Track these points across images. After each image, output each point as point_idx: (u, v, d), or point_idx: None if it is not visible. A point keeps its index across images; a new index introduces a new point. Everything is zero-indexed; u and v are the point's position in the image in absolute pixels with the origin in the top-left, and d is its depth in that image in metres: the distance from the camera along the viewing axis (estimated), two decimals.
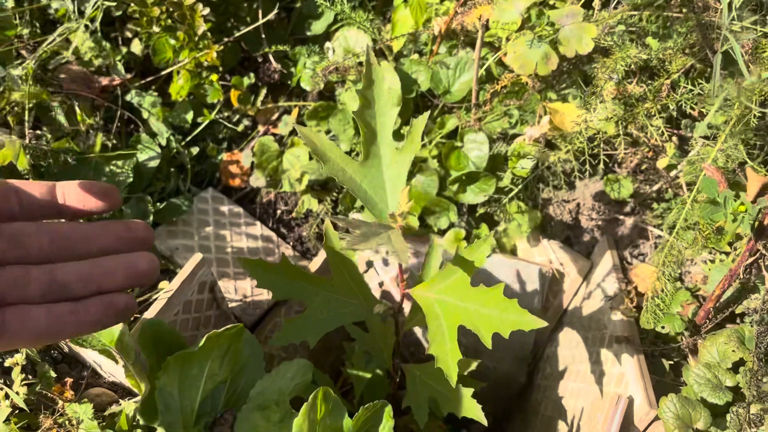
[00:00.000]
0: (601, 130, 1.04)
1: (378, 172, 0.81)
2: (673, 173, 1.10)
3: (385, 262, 1.24)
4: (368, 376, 1.13)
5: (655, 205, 1.12)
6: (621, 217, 1.17)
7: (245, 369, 0.85)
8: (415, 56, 1.25)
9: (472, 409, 0.94)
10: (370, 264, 1.20)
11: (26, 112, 1.07)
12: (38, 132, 1.14)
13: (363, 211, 1.22)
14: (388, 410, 0.78)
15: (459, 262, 0.82)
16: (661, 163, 1.06)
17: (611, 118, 1.04)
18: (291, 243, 1.27)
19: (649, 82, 1.07)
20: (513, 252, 1.20)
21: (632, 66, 1.05)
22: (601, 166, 1.05)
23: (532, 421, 1.17)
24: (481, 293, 0.75)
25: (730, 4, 0.78)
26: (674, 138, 1.07)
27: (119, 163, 1.15)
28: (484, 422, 0.92)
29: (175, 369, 0.75)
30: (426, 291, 0.82)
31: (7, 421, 0.79)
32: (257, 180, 1.27)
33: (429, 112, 0.90)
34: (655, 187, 1.13)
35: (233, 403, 0.80)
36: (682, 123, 1.04)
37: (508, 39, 1.12)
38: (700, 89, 1.02)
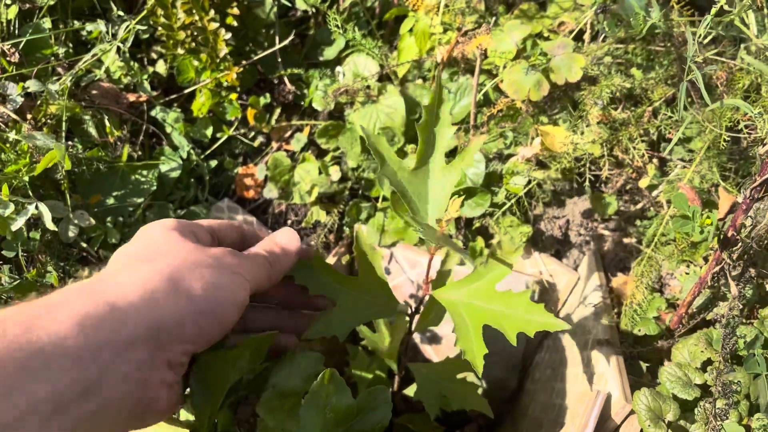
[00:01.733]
0: (587, 151, 1.14)
1: (423, 182, 0.88)
2: (654, 193, 1.19)
3: (404, 266, 1.33)
4: (370, 376, 1.21)
5: (638, 222, 1.21)
6: (607, 233, 1.26)
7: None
8: (419, 81, 1.35)
9: (479, 403, 1.03)
10: (387, 271, 1.29)
11: (62, 123, 1.17)
12: (70, 143, 1.24)
13: (367, 224, 1.31)
14: (387, 395, 0.87)
15: (491, 267, 0.89)
16: (643, 183, 1.15)
17: (597, 140, 1.14)
18: None
19: (633, 108, 1.17)
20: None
21: (617, 93, 1.15)
22: (587, 184, 1.15)
23: (520, 422, 1.25)
24: (508, 296, 0.82)
25: (695, 38, 0.87)
26: (655, 160, 1.16)
27: (144, 172, 1.24)
28: (491, 415, 1.01)
29: (206, 361, 0.82)
30: (451, 293, 0.89)
31: None
32: (270, 192, 1.36)
33: (485, 135, 0.96)
34: (639, 206, 1.23)
35: (254, 388, 0.88)
36: (662, 147, 1.14)
37: (504, 67, 1.22)
38: (679, 117, 1.12)
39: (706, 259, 1.08)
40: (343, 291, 0.91)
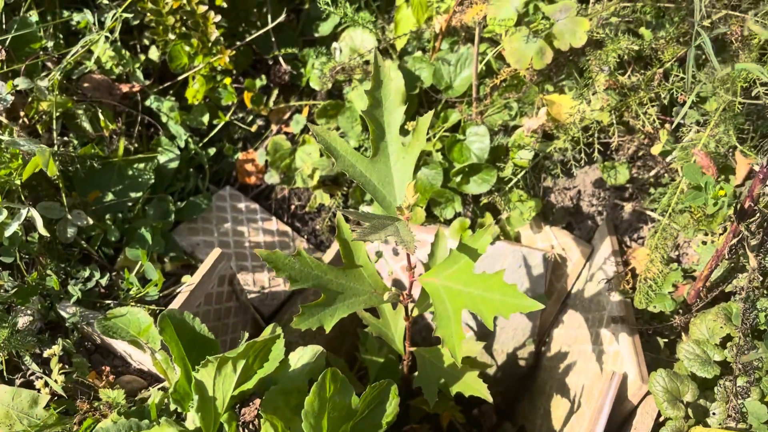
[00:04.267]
0: (595, 119, 1.09)
1: (386, 167, 0.87)
2: (668, 159, 1.14)
3: (395, 252, 1.30)
4: (381, 360, 1.20)
5: (652, 190, 1.16)
6: (620, 202, 1.21)
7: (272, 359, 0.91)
8: (418, 54, 1.30)
9: (477, 388, 1.00)
10: (379, 254, 1.26)
11: (53, 121, 1.15)
12: (65, 138, 1.22)
13: (373, 204, 1.28)
14: (394, 389, 0.84)
15: (463, 250, 0.87)
16: (655, 149, 1.10)
17: (605, 107, 1.08)
18: (305, 236, 1.34)
19: (642, 71, 1.11)
20: (517, 239, 1.25)
21: (625, 57, 1.09)
22: (597, 154, 1.10)
23: (538, 400, 1.23)
24: (484, 279, 0.81)
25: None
26: (667, 125, 1.11)
27: (141, 165, 1.22)
28: (489, 399, 0.98)
29: (212, 366, 0.81)
30: (432, 278, 0.88)
31: (47, 407, 0.87)
32: (271, 177, 1.33)
33: (433, 110, 0.95)
34: (652, 173, 1.18)
35: (259, 386, 0.87)
36: (674, 111, 1.08)
37: (506, 34, 1.17)
38: (692, 80, 1.05)
39: (724, 229, 1.03)
40: (328, 281, 0.90)
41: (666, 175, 1.16)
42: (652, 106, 1.07)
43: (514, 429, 1.29)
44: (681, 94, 1.04)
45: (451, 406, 1.26)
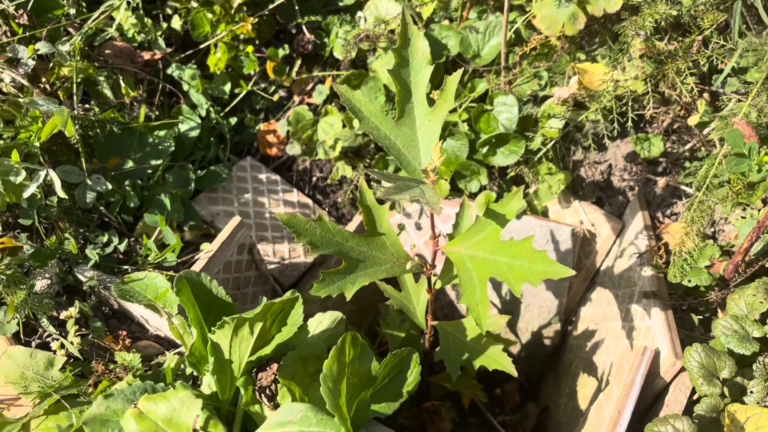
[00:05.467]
0: (630, 88, 1.04)
1: (411, 130, 0.84)
2: (705, 131, 1.09)
3: (418, 227, 1.27)
4: (402, 335, 1.17)
5: (687, 164, 1.12)
6: (653, 177, 1.17)
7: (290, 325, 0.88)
8: (445, 22, 1.26)
9: (501, 361, 0.97)
10: (402, 227, 1.23)
11: (74, 86, 1.13)
12: (86, 105, 1.20)
13: (400, 173, 1.25)
14: (416, 357, 0.82)
15: (490, 216, 0.84)
16: (692, 120, 1.05)
17: (640, 76, 1.04)
18: (326, 209, 1.31)
19: (680, 38, 1.07)
20: (544, 214, 1.21)
21: (662, 23, 1.04)
22: (630, 124, 1.05)
23: (563, 379, 1.19)
24: (511, 246, 0.77)
25: None
26: (705, 95, 1.06)
27: (161, 133, 1.20)
28: (514, 374, 0.95)
29: (229, 328, 0.78)
30: (457, 246, 0.85)
31: (62, 369, 0.85)
32: (293, 148, 1.31)
33: (462, 69, 0.92)
34: (688, 146, 1.13)
35: (276, 352, 0.84)
36: (713, 79, 1.03)
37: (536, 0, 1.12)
38: (732, 44, 1.01)
39: (764, 202, 0.98)
40: (350, 248, 0.87)
41: (702, 148, 1.11)
42: (691, 74, 1.02)
43: (537, 409, 1.26)
44: (722, 61, 0.99)
45: (473, 384, 1.23)
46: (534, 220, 1.16)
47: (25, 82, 1.10)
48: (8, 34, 1.16)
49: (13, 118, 1.08)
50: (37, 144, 1.00)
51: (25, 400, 0.84)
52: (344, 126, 1.27)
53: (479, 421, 1.31)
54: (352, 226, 1.21)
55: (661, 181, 1.15)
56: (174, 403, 0.72)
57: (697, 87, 1.03)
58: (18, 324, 0.91)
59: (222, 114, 1.31)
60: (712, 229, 1.08)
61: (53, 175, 0.96)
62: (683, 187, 1.14)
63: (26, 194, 0.95)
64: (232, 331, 0.77)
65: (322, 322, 0.88)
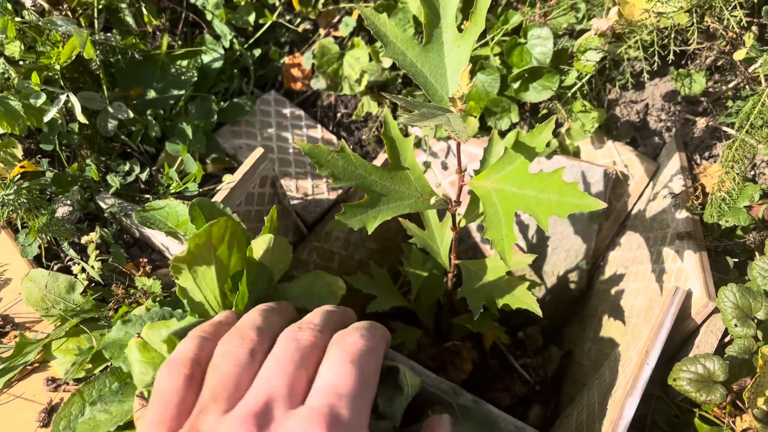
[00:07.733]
0: (673, 20, 0.98)
1: (439, 57, 0.80)
2: (751, 68, 1.03)
3: (444, 166, 1.23)
4: (425, 274, 1.15)
5: (729, 104, 1.06)
6: (692, 117, 1.11)
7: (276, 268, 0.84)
8: None
9: (526, 300, 0.94)
10: (428, 165, 1.20)
11: (96, 11, 1.10)
12: (108, 34, 1.18)
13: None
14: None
15: (519, 149, 0.80)
16: (738, 55, 0.99)
17: (685, 6, 0.98)
18: (351, 146, 1.28)
19: None
20: (576, 154, 1.17)
21: None
22: (671, 57, 0.99)
23: (587, 324, 1.17)
24: (541, 178, 0.74)
25: None
26: (754, 28, 1.00)
27: (184, 63, 1.17)
28: (539, 313, 0.92)
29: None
30: (484, 181, 0.82)
31: (83, 293, 0.85)
32: (318, 82, 1.28)
33: None
34: (731, 84, 1.07)
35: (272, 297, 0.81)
36: (764, 10, 0.97)
37: None
38: None
39: None
40: (373, 182, 0.84)
41: (747, 86, 1.05)
42: (740, 4, 0.96)
43: (560, 353, 1.24)
44: None
45: (496, 326, 1.21)
46: (565, 160, 1.12)
47: (46, 5, 1.08)
48: None
49: (33, 43, 1.06)
50: (57, 67, 0.98)
51: (47, 322, 0.84)
52: (371, 60, 1.23)
53: (500, 364, 1.30)
54: (376, 164, 1.19)
55: (701, 122, 1.10)
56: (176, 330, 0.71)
57: (745, 19, 0.97)
58: (40, 248, 0.91)
59: (246, 46, 1.28)
60: (753, 172, 1.03)
61: (74, 100, 0.94)
62: (724, 128, 1.08)
63: (47, 118, 0.93)
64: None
65: (315, 280, 0.83)
